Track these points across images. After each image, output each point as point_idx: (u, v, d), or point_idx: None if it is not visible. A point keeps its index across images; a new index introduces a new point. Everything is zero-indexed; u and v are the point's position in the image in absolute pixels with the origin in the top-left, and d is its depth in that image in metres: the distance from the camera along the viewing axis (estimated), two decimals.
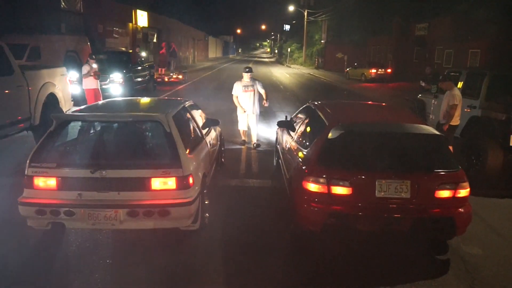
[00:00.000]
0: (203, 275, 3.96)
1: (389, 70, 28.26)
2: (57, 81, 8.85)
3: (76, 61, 14.24)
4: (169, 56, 25.50)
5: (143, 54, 25.95)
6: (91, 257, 4.19)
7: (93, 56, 11.53)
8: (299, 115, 6.35)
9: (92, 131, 5.23)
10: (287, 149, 5.78)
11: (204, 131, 5.72)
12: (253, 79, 8.81)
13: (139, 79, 16.48)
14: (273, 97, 16.41)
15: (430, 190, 4.06)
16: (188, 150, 4.43)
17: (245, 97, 8.63)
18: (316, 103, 5.92)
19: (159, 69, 23.64)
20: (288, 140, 5.85)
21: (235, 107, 8.91)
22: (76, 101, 10.61)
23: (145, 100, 6.57)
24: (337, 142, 4.26)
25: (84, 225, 4.12)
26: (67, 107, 9.25)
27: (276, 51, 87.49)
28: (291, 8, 54.45)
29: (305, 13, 47.41)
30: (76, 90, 11.41)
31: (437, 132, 4.45)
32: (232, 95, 8.80)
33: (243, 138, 9.10)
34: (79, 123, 5.07)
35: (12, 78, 7.40)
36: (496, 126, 6.78)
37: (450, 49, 25.48)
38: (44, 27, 14.73)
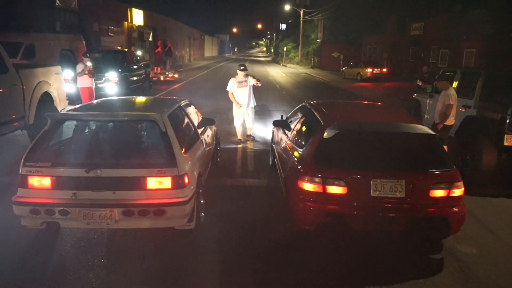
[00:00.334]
0: (198, 274, 3.96)
1: (384, 70, 28.34)
2: (52, 80, 8.81)
3: (71, 60, 14.16)
4: (164, 55, 25.41)
5: (139, 52, 25.82)
6: (86, 257, 4.18)
7: (88, 54, 11.47)
8: (295, 115, 6.36)
9: (87, 130, 5.21)
10: (282, 148, 5.78)
11: (199, 130, 5.71)
12: (247, 75, 8.96)
13: (135, 78, 16.40)
14: (269, 97, 16.38)
15: (424, 189, 4.08)
16: (183, 150, 4.42)
17: (240, 92, 8.83)
18: (311, 102, 5.93)
19: (155, 68, 23.60)
20: (284, 140, 5.85)
21: (231, 106, 9.03)
22: (71, 100, 10.56)
23: (140, 99, 6.54)
24: (333, 141, 4.27)
25: (79, 225, 4.11)
26: (62, 106, 9.20)
27: (272, 50, 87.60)
28: (287, 7, 54.61)
29: (301, 12, 47.46)
30: (71, 88, 11.36)
31: (432, 132, 4.47)
32: (227, 91, 8.95)
33: (239, 137, 9.11)
34: (74, 122, 5.06)
35: (6, 76, 7.35)
36: (491, 125, 6.80)
37: (445, 49, 25.60)
38: (39, 25, 14.66)
